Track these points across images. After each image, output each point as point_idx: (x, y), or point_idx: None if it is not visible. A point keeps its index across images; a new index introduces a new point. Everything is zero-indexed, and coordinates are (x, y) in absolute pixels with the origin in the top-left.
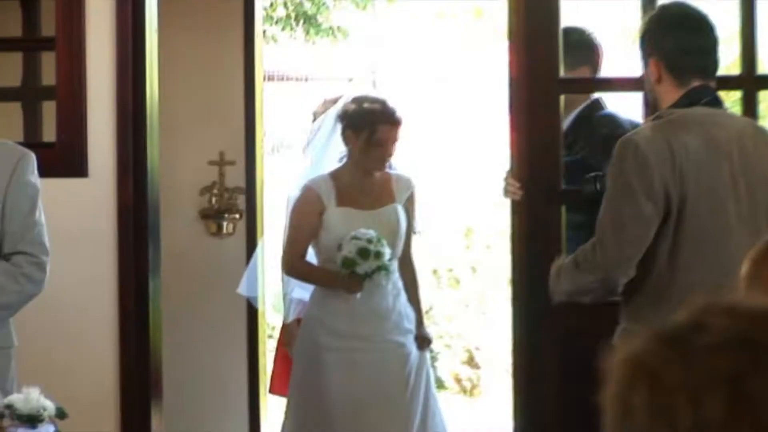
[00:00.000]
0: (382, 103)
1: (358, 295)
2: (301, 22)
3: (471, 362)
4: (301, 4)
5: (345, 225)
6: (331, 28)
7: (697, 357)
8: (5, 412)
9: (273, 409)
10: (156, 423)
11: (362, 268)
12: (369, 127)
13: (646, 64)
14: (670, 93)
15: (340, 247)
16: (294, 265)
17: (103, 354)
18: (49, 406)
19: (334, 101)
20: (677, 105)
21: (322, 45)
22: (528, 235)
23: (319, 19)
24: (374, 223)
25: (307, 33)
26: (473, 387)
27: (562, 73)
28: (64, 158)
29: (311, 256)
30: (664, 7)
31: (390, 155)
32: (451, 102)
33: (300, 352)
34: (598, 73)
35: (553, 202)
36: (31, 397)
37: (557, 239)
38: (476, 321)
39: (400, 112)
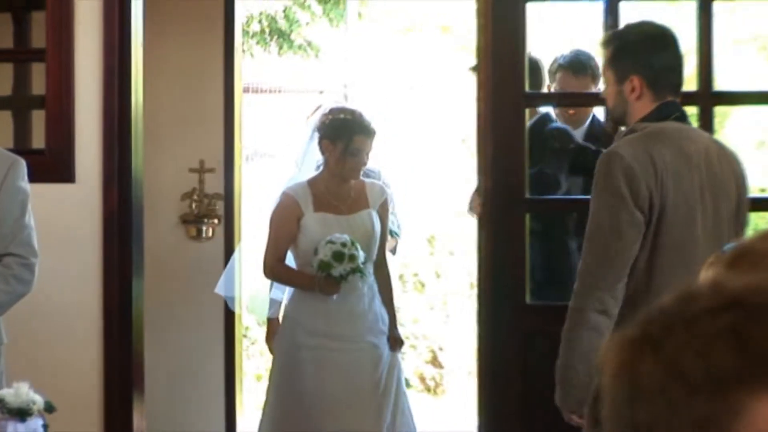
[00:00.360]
0: (358, 115)
1: (335, 296)
2: (275, 37)
3: (435, 362)
4: (275, 20)
5: (321, 229)
6: (302, 44)
7: (696, 319)
8: None
9: (249, 405)
10: (137, 417)
11: (337, 270)
12: (345, 137)
13: (621, 80)
14: (644, 107)
15: (316, 251)
16: (273, 269)
17: (88, 351)
18: (38, 400)
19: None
20: (648, 118)
21: (295, 59)
22: (493, 240)
23: (292, 35)
24: (349, 228)
25: (281, 48)
26: (437, 386)
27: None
28: (53, 165)
29: (290, 260)
30: (638, 27)
31: (364, 164)
32: (418, 113)
33: (279, 351)
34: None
35: (517, 209)
36: (21, 392)
37: (521, 244)
38: (440, 323)
39: (374, 123)
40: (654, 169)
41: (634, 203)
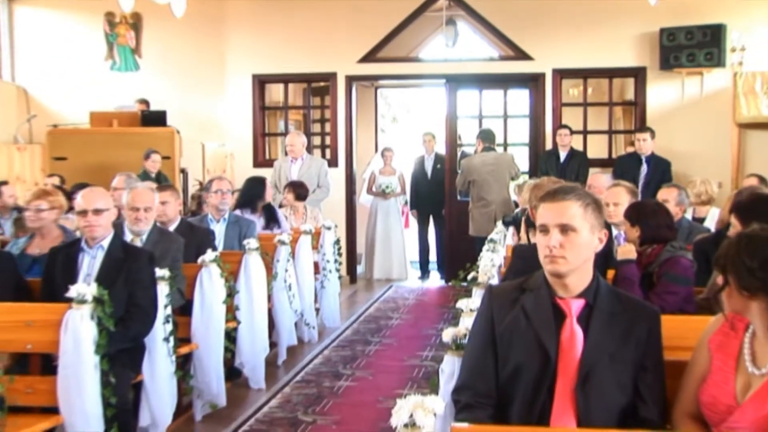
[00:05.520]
0: (385, 148)
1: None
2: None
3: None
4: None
5: (383, 181)
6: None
7: None
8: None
9: None
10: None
11: (387, 191)
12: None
13: (477, 141)
14: (479, 148)
15: (380, 185)
16: (369, 191)
17: (341, 211)
18: (331, 223)
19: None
20: (483, 150)
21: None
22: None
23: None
24: (387, 181)
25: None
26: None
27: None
28: (332, 162)
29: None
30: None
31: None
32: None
33: (370, 216)
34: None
35: (454, 175)
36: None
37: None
38: None
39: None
40: (471, 165)
41: (466, 175)
